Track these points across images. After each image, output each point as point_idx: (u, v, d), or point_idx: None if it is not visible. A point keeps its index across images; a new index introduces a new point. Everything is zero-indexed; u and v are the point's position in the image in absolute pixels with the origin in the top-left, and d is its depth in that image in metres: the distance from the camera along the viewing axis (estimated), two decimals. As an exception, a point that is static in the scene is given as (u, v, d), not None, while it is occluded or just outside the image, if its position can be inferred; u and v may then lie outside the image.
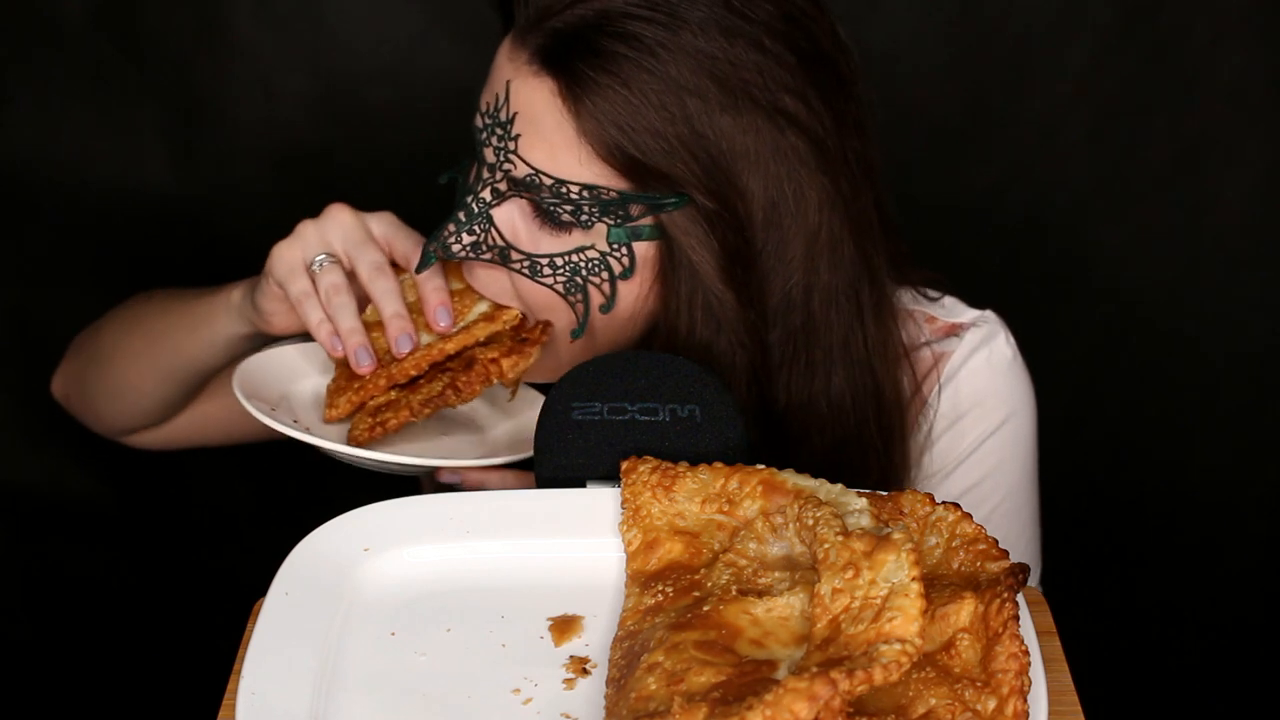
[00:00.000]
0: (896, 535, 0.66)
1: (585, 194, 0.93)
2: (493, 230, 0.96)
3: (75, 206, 1.64)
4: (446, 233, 0.97)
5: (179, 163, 1.63)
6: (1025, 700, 0.64)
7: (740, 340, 0.97)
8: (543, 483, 0.85)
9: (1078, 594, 1.19)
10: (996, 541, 0.72)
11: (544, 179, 0.93)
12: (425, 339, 1.00)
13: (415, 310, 1.01)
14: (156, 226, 1.65)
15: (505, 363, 0.98)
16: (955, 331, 1.09)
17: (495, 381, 0.99)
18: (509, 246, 0.96)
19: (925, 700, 0.64)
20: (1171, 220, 1.70)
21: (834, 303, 0.98)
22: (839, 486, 0.75)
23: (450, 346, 0.99)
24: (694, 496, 0.78)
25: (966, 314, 1.10)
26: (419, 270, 0.99)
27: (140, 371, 1.15)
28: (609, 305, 0.97)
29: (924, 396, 1.07)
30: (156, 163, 1.63)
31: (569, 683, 0.71)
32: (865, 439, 1.02)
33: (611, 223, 0.94)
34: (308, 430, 0.97)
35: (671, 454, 0.82)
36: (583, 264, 0.96)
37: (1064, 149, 1.68)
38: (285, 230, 1.03)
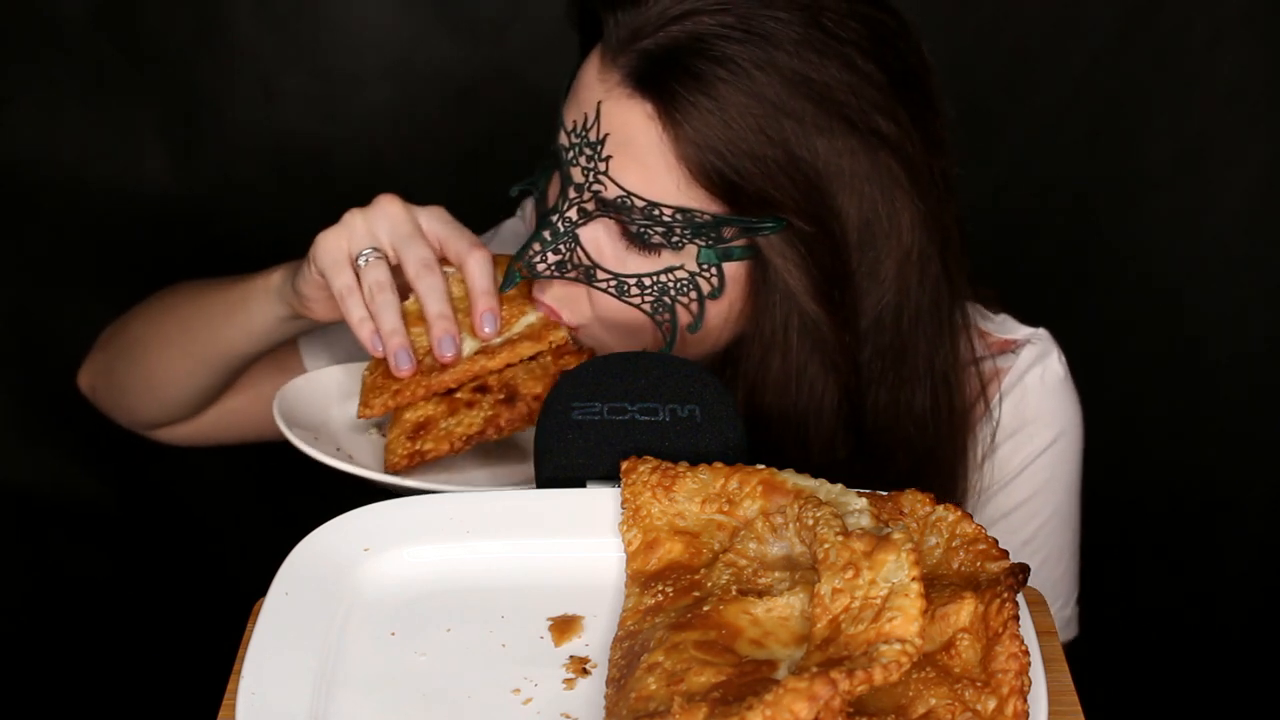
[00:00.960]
0: (896, 535, 0.66)
1: (678, 216, 0.92)
2: (579, 249, 0.95)
3: (75, 206, 1.64)
4: (532, 251, 0.95)
5: (179, 163, 1.63)
6: (1025, 700, 0.64)
7: (835, 361, 0.96)
8: (543, 483, 0.84)
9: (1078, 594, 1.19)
10: (996, 541, 0.72)
11: (635, 201, 0.92)
12: (469, 345, 0.98)
13: (460, 310, 0.98)
14: (156, 226, 1.65)
15: None
16: (1010, 348, 1.09)
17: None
18: (595, 266, 0.96)
19: (925, 700, 0.64)
20: (1171, 220, 1.70)
21: (921, 321, 0.98)
22: (839, 486, 0.75)
23: (494, 364, 0.96)
24: (694, 496, 0.78)
25: (1020, 330, 1.11)
26: (503, 289, 0.98)
27: (174, 360, 1.14)
28: (696, 325, 0.96)
29: (983, 411, 1.07)
30: (156, 163, 1.63)
31: (569, 683, 0.70)
32: (940, 455, 1.02)
33: (703, 244, 0.93)
34: (350, 458, 0.95)
35: (671, 454, 0.82)
36: (671, 284, 0.95)
37: (1064, 149, 1.68)
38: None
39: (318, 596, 0.74)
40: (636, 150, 0.92)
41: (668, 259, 0.94)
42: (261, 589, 0.75)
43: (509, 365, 0.97)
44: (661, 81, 0.90)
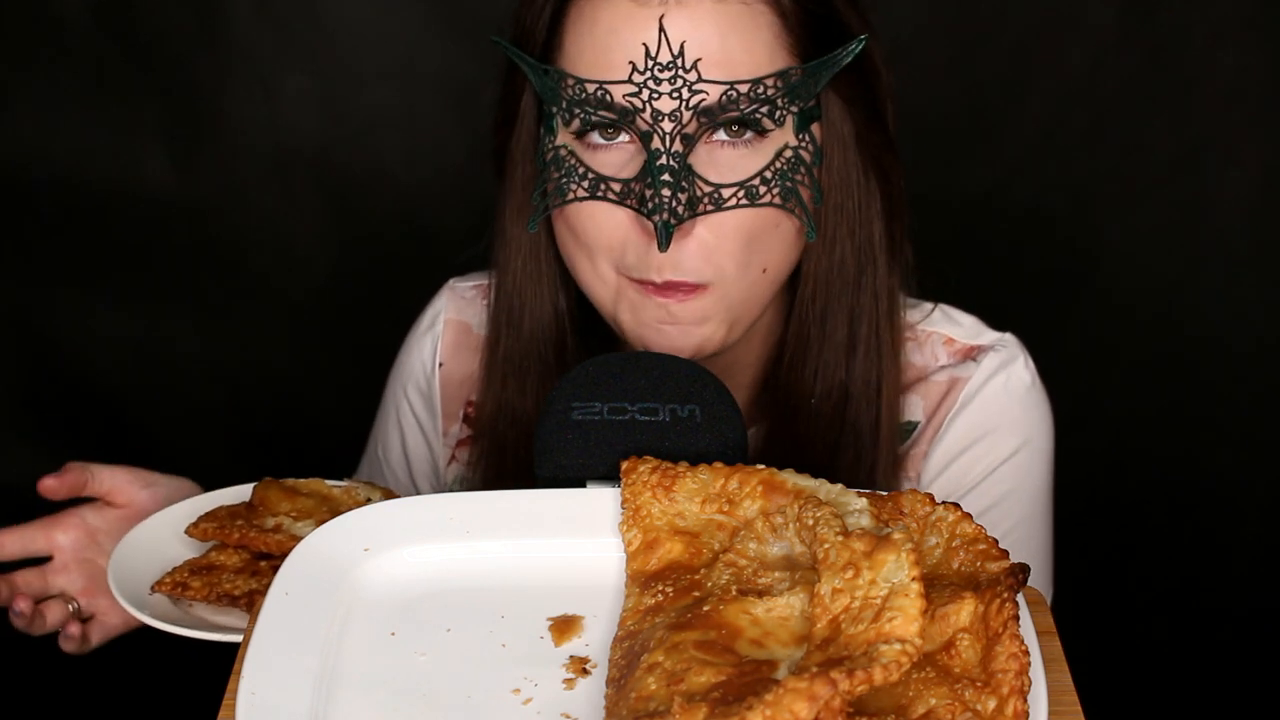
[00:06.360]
0: (896, 535, 0.66)
1: (779, 84, 0.94)
2: (697, 181, 0.95)
3: (75, 206, 1.64)
4: (661, 201, 0.93)
5: (179, 163, 1.64)
6: (1025, 700, 0.64)
7: (881, 163, 1.00)
8: (543, 483, 0.84)
9: (1078, 594, 1.19)
10: (996, 541, 0.72)
11: (739, 89, 0.93)
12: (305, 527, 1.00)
13: (316, 509, 1.02)
14: (156, 226, 1.65)
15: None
16: (973, 355, 1.09)
17: None
18: (717, 187, 0.95)
19: (925, 700, 0.64)
20: (1171, 220, 1.70)
21: (894, 158, 1.03)
22: (839, 486, 0.75)
23: None
24: (694, 496, 0.78)
25: (986, 336, 1.10)
26: (663, 248, 0.94)
27: None
28: (818, 196, 0.98)
29: (939, 421, 1.07)
30: (156, 163, 1.63)
31: (569, 683, 0.70)
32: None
33: (797, 110, 0.95)
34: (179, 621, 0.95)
35: (671, 454, 0.82)
36: (785, 167, 0.96)
37: (1064, 149, 1.68)
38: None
39: (318, 596, 0.74)
40: (721, 39, 0.93)
41: (771, 146, 0.96)
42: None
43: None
44: None
